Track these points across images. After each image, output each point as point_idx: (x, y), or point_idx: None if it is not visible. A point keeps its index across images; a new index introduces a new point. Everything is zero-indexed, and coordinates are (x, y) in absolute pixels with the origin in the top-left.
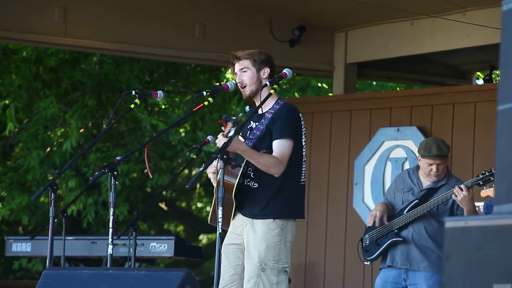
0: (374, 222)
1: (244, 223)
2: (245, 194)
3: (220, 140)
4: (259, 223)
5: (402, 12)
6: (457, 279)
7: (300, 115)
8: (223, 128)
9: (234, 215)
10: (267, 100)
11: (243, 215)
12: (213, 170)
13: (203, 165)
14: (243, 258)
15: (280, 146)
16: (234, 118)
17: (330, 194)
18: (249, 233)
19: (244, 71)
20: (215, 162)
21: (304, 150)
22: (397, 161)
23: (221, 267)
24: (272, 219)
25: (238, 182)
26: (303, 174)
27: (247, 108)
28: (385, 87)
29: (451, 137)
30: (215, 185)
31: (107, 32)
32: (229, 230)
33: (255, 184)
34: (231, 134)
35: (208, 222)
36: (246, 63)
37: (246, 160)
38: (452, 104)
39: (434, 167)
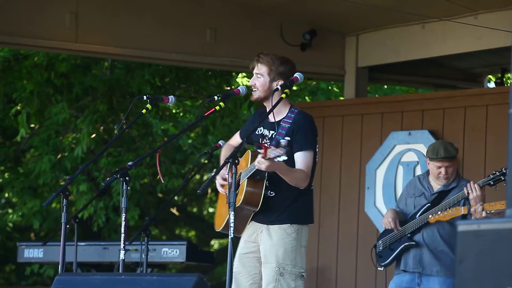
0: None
1: (259, 230)
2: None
3: (261, 163)
4: (275, 228)
5: (413, 16)
6: (469, 282)
7: (315, 123)
8: (262, 151)
9: (248, 223)
10: (280, 107)
11: (257, 222)
12: (222, 182)
13: (215, 170)
14: (259, 266)
15: (305, 159)
16: (284, 144)
17: (342, 199)
18: (265, 239)
19: (259, 77)
20: (225, 175)
21: (317, 157)
22: (409, 165)
23: (239, 277)
24: (289, 224)
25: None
26: (313, 180)
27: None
28: (396, 90)
29: (462, 140)
30: (222, 193)
31: (118, 37)
32: (243, 239)
33: (271, 193)
34: (280, 159)
35: (217, 230)
36: (263, 69)
37: (266, 172)
38: (463, 108)
39: (442, 170)
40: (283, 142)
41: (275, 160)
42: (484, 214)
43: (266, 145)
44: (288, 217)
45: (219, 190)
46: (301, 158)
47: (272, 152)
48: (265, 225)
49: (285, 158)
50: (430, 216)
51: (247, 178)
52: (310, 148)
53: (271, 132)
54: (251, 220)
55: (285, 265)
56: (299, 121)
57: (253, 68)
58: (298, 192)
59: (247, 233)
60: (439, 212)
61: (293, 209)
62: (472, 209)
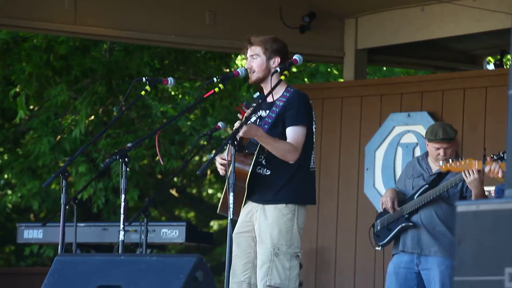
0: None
1: (254, 209)
2: (256, 181)
3: (240, 128)
4: (271, 208)
5: None
6: (468, 263)
7: (310, 102)
8: (239, 115)
9: (244, 203)
10: (276, 88)
11: (252, 201)
12: (222, 161)
13: (214, 151)
14: (254, 245)
15: (294, 133)
16: (254, 104)
17: (341, 180)
18: (261, 219)
19: (254, 58)
20: (225, 155)
21: (314, 137)
22: (408, 147)
23: (233, 256)
24: (284, 204)
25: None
26: (312, 161)
27: (256, 94)
28: (395, 72)
29: (461, 122)
30: (222, 174)
31: (117, 19)
32: (240, 218)
33: (267, 171)
34: (252, 119)
35: (218, 212)
36: (257, 49)
37: (258, 147)
38: (463, 89)
39: (441, 151)
40: (254, 102)
41: (249, 121)
42: (500, 174)
43: (244, 110)
44: (284, 197)
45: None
46: (291, 132)
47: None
48: (260, 204)
49: (254, 118)
50: (441, 164)
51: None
52: (301, 124)
53: (268, 111)
54: (248, 199)
55: (280, 245)
56: (293, 98)
57: (245, 53)
58: (295, 171)
59: (244, 213)
60: (450, 161)
61: (289, 189)
62: (487, 168)
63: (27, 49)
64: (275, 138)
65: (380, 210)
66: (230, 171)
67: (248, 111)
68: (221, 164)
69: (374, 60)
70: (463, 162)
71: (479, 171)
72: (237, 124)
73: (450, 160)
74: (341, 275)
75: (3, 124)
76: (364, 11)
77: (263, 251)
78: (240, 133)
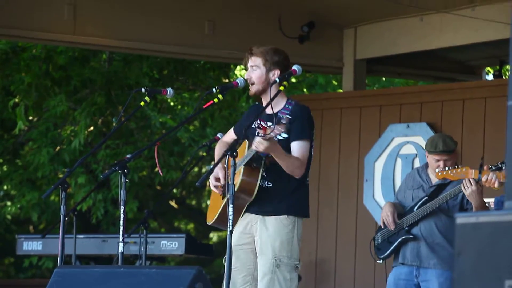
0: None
1: (253, 221)
2: (257, 193)
3: (260, 143)
4: (272, 219)
5: (411, 8)
6: (468, 275)
7: (311, 114)
8: (260, 131)
9: (242, 215)
10: (277, 99)
11: (251, 213)
12: (216, 183)
13: (213, 162)
14: (254, 258)
15: (300, 148)
16: (284, 122)
17: (340, 191)
18: (261, 230)
19: (254, 69)
20: (223, 173)
21: (313, 150)
22: (407, 158)
23: (233, 269)
24: (285, 215)
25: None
26: (308, 174)
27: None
28: (395, 83)
29: (461, 133)
30: (215, 189)
31: (117, 29)
32: (238, 230)
33: (269, 183)
34: (280, 137)
35: (211, 223)
36: (257, 61)
37: (263, 160)
38: (462, 100)
39: (441, 163)
40: (283, 120)
41: (275, 138)
42: (497, 184)
43: (265, 125)
44: (285, 209)
45: (213, 190)
46: (297, 147)
47: (272, 131)
48: (260, 216)
49: (285, 135)
50: (437, 171)
51: (244, 166)
52: (306, 138)
53: (269, 124)
54: (246, 211)
55: (282, 256)
56: (297, 111)
57: (246, 63)
58: (295, 184)
59: (242, 225)
60: (447, 169)
61: (290, 200)
62: (483, 177)
63: (26, 59)
64: (288, 154)
65: (381, 225)
66: (229, 182)
67: (274, 127)
68: (215, 186)
69: (373, 71)
70: (459, 170)
71: (477, 181)
72: (258, 139)
73: (447, 167)
74: (341, 287)
75: (2, 135)
76: (363, 21)
77: (264, 262)
78: (261, 149)
